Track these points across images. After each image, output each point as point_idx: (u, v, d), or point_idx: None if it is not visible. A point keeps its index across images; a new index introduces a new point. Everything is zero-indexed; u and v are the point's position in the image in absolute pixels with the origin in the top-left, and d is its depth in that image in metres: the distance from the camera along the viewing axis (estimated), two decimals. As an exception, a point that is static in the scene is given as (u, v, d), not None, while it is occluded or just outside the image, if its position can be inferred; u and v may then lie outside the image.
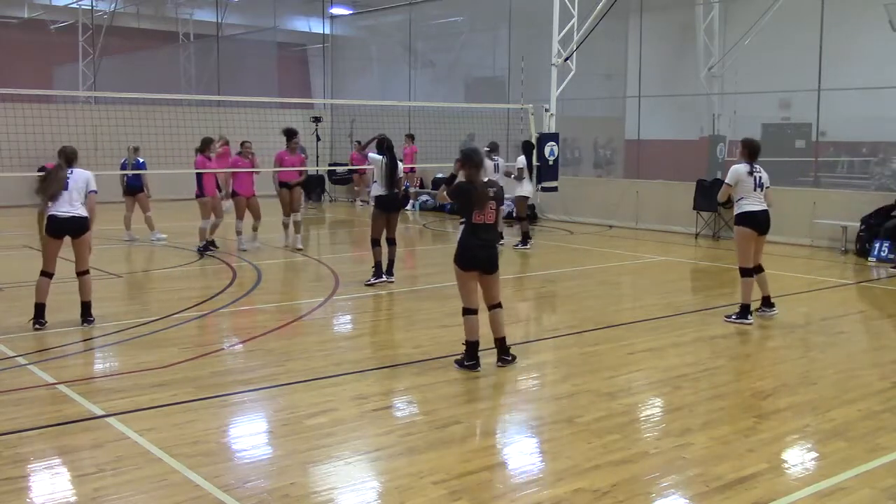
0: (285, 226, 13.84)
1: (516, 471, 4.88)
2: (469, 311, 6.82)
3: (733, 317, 8.75)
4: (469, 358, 6.82)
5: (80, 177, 8.17)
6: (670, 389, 6.43)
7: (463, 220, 6.90)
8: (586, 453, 5.06)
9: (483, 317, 6.88)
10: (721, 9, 19.04)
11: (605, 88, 21.09)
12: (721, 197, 9.00)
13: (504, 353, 6.97)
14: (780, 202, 14.25)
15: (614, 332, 8.36)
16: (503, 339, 6.97)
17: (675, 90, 20.05)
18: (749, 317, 8.66)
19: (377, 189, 10.51)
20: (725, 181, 8.80)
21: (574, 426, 5.56)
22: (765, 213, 8.72)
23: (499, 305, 6.94)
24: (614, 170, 21.30)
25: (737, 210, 8.77)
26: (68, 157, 8.25)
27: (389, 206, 10.53)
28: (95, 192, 8.26)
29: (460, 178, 7.00)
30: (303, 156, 14.21)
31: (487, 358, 6.96)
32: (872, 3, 15.71)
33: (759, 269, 8.97)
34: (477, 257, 6.78)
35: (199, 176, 13.38)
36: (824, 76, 15.36)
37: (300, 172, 13.84)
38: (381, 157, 10.44)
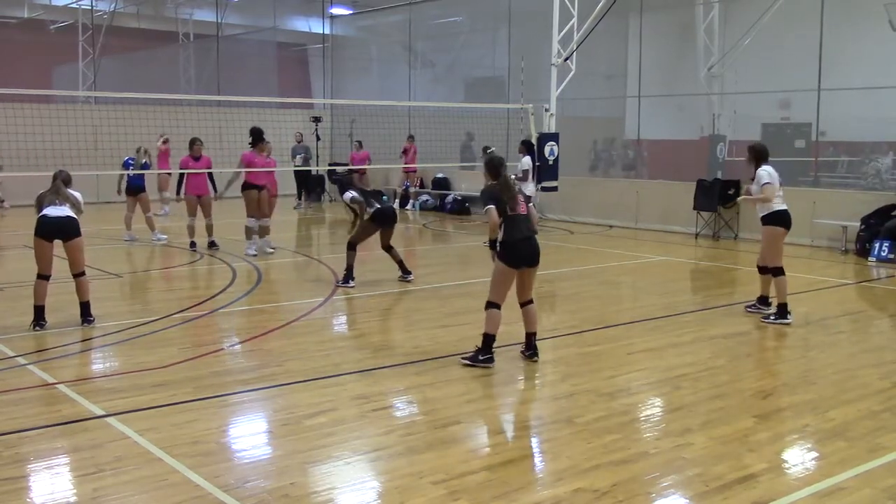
0: (250, 231, 13.12)
1: (516, 471, 4.87)
2: (494, 306, 6.84)
3: (772, 316, 8.72)
4: (485, 352, 6.84)
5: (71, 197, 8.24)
6: (670, 389, 6.43)
7: (501, 220, 6.84)
8: (586, 453, 5.06)
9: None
10: (721, 9, 19.03)
11: (605, 88, 21.07)
12: (770, 197, 8.75)
13: (533, 348, 7.06)
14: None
15: (614, 332, 8.36)
16: (535, 333, 7.09)
17: (675, 90, 20.04)
18: (788, 315, 8.65)
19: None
20: (766, 182, 8.68)
21: (574, 426, 5.56)
22: (788, 212, 8.85)
23: (531, 301, 7.04)
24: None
25: (764, 211, 8.82)
26: (64, 181, 8.27)
27: (387, 220, 10.59)
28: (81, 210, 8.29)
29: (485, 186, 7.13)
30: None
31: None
32: (872, 3, 15.70)
33: (766, 270, 9.01)
34: (524, 252, 6.81)
35: (179, 175, 13.82)
36: (824, 76, 15.37)
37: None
38: (349, 191, 10.62)
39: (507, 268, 6.83)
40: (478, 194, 19.24)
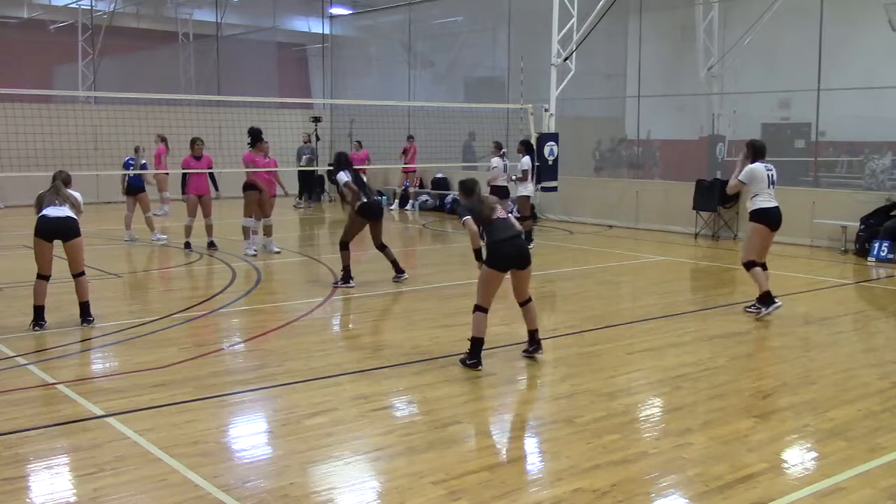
0: (251, 231, 13.09)
1: (516, 471, 4.88)
2: (481, 309, 6.84)
3: (759, 308, 8.80)
4: (472, 356, 6.84)
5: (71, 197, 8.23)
6: (670, 389, 6.43)
7: (484, 233, 6.91)
8: (586, 453, 5.06)
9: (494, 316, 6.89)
10: (721, 9, 19.02)
11: (605, 88, 21.07)
12: (730, 189, 9.06)
13: (536, 344, 7.11)
14: (779, 202, 14.35)
15: (614, 332, 8.36)
16: (536, 330, 7.12)
17: (675, 90, 20.04)
18: (776, 300, 8.76)
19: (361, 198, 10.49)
20: (739, 178, 8.86)
21: (574, 426, 5.56)
22: (778, 210, 8.92)
23: (530, 300, 7.05)
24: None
25: (752, 206, 8.91)
26: (64, 181, 8.26)
27: (374, 214, 10.55)
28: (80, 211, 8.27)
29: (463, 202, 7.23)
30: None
31: (488, 358, 6.95)
32: (872, 2, 15.70)
33: (762, 268, 9.03)
34: (510, 255, 6.80)
35: (183, 176, 13.92)
36: (824, 76, 15.36)
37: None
38: (344, 173, 10.48)
39: (492, 271, 6.81)
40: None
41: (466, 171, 21.47)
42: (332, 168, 11.04)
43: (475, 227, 6.90)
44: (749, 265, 8.92)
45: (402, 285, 10.68)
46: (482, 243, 6.91)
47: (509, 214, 7.10)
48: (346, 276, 10.48)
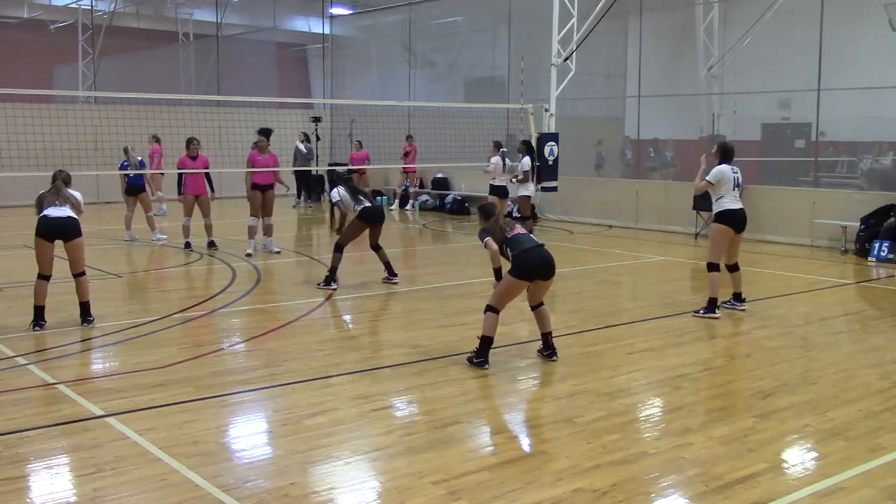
0: (252, 231, 13.15)
1: (516, 471, 4.87)
2: (493, 310, 6.87)
3: (702, 311, 8.98)
4: (479, 355, 6.86)
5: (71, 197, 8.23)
6: (670, 389, 6.43)
7: (506, 248, 6.97)
8: (586, 453, 5.06)
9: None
10: (721, 9, 19.04)
11: (605, 88, 21.08)
12: (698, 190, 9.31)
13: (551, 347, 7.16)
14: (780, 202, 14.37)
15: (614, 332, 8.37)
16: (550, 333, 7.17)
17: (675, 90, 20.04)
18: (717, 310, 8.92)
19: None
20: (707, 178, 9.01)
21: (573, 426, 5.56)
22: (742, 212, 9.05)
23: (542, 304, 7.10)
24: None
25: (717, 208, 9.06)
26: (64, 181, 8.25)
27: (375, 218, 10.47)
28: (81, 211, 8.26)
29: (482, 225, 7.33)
30: (276, 156, 13.63)
31: (490, 358, 6.95)
32: (872, 2, 15.70)
33: (735, 268, 9.23)
34: (536, 265, 6.84)
35: (179, 176, 13.83)
36: (824, 76, 15.36)
37: (274, 175, 13.20)
38: (337, 189, 10.43)
39: (516, 280, 6.84)
40: (477, 193, 19.29)
41: (466, 171, 21.49)
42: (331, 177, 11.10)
43: (495, 246, 6.99)
44: (712, 267, 8.99)
45: (402, 285, 10.67)
46: (501, 262, 7.01)
47: (529, 233, 7.16)
48: (330, 279, 10.39)
